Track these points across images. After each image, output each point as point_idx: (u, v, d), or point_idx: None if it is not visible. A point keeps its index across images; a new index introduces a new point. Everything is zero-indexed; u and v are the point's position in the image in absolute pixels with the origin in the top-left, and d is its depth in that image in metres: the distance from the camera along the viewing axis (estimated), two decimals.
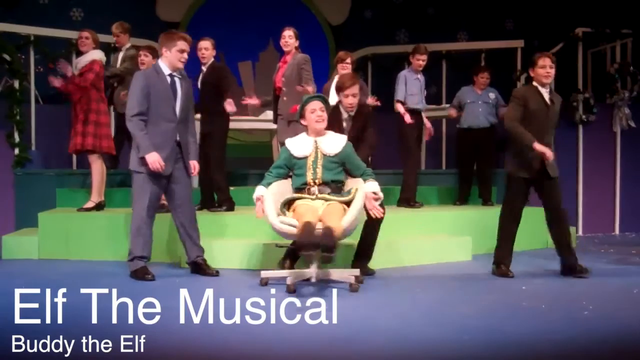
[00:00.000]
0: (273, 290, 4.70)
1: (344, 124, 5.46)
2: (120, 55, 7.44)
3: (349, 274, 4.89)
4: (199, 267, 5.50)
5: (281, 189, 5.08)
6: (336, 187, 5.01)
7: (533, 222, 7.31)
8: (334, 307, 4.25)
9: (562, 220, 5.59)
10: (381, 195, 4.92)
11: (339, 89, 5.44)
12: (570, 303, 4.42)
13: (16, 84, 7.84)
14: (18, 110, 7.79)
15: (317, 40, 10.51)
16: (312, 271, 4.80)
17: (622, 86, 8.98)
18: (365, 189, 4.88)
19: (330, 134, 5.14)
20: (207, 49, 6.61)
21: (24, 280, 5.36)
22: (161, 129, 5.17)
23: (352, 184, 5.07)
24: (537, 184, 5.57)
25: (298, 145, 5.10)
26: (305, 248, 4.49)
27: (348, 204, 4.86)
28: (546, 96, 5.53)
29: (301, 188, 5.01)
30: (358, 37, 10.18)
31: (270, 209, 4.87)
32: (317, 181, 4.96)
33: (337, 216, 4.69)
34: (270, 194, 4.97)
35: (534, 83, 5.55)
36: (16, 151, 7.78)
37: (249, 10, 10.35)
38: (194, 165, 5.38)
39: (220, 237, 6.26)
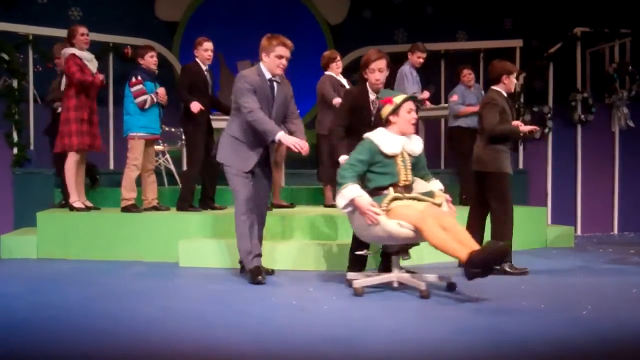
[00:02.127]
0: (273, 290, 4.72)
1: (372, 108, 5.21)
2: (64, 79, 7.00)
3: (431, 278, 4.88)
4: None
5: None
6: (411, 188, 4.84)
7: (532, 221, 7.34)
8: (333, 308, 4.27)
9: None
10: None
11: (364, 65, 5.22)
12: (569, 302, 4.42)
13: (15, 84, 7.84)
14: (16, 110, 7.80)
15: (315, 40, 10.50)
16: (394, 275, 4.80)
17: (620, 86, 9.00)
18: (439, 188, 4.86)
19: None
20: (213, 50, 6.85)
21: (22, 279, 5.36)
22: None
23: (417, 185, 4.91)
24: None
25: (388, 142, 4.76)
26: (480, 267, 4.28)
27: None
28: (508, 102, 5.73)
29: (385, 187, 4.72)
30: (357, 37, 10.18)
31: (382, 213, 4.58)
32: (407, 181, 4.77)
33: (453, 218, 4.59)
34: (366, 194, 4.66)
35: (498, 88, 5.66)
36: (15, 150, 7.78)
37: (247, 10, 10.34)
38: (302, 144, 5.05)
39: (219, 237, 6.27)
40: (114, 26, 9.15)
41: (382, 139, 4.75)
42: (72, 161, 6.65)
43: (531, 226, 7.31)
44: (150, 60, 6.79)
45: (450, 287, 4.81)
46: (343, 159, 4.98)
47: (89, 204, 6.89)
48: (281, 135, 4.95)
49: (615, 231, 9.01)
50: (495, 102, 5.53)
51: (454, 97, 7.88)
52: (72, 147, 6.58)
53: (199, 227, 6.34)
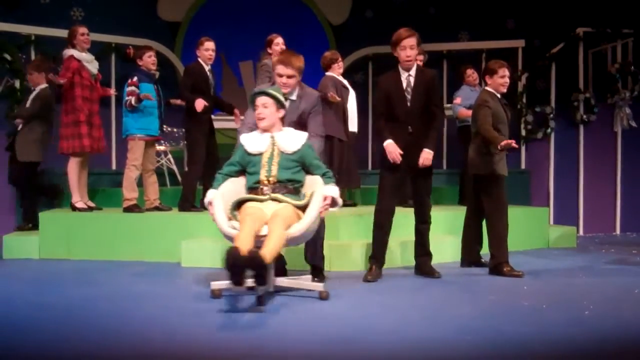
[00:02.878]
0: (274, 291, 4.72)
1: (404, 85, 5.24)
2: (32, 95, 7.06)
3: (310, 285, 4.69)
4: None
5: (237, 188, 4.68)
6: (293, 187, 4.60)
7: (534, 222, 7.34)
8: (334, 308, 4.27)
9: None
10: (339, 201, 4.55)
11: (395, 43, 5.22)
12: (570, 303, 4.42)
13: (17, 84, 7.85)
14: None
15: (317, 40, 10.49)
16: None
17: (623, 86, 8.99)
18: (324, 193, 4.48)
19: (289, 130, 4.75)
20: (214, 50, 6.86)
21: (24, 280, 5.37)
22: None
23: (310, 183, 4.68)
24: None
25: (253, 140, 4.68)
26: (232, 275, 3.92)
27: (303, 208, 4.48)
28: (502, 102, 5.64)
29: (254, 187, 4.60)
30: (359, 37, 10.17)
31: (219, 212, 4.43)
32: (271, 179, 4.56)
33: (284, 221, 4.28)
34: (220, 195, 4.53)
35: (490, 89, 5.61)
36: None
37: (249, 10, 10.33)
38: None
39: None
40: (116, 26, 9.15)
41: (248, 138, 4.71)
42: (74, 162, 6.68)
43: (533, 226, 7.30)
44: (148, 61, 6.77)
45: (321, 295, 4.55)
46: (387, 143, 5.17)
47: (91, 204, 6.91)
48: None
49: (618, 231, 9.00)
50: (486, 104, 5.50)
51: (457, 100, 7.83)
52: (70, 149, 6.62)
53: (202, 227, 6.34)
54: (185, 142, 8.33)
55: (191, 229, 6.35)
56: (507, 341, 3.49)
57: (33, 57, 8.24)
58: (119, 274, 5.57)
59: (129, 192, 6.67)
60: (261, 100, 4.64)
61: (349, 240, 6.04)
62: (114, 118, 8.89)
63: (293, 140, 4.68)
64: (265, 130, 4.67)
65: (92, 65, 6.74)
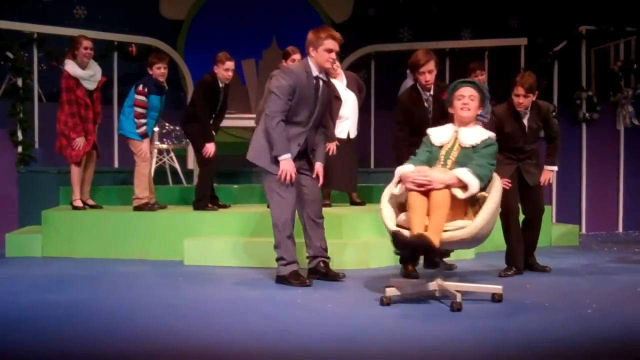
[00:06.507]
0: (278, 289, 4.72)
1: (426, 105, 5.34)
2: None
3: (483, 289, 4.57)
4: (319, 271, 5.14)
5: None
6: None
7: None
8: (338, 306, 4.27)
9: (534, 226, 5.61)
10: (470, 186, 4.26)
11: (414, 67, 5.29)
12: (573, 301, 4.41)
13: (20, 82, 7.86)
14: (21, 109, 7.80)
15: None
16: (434, 284, 4.39)
17: (625, 84, 8.96)
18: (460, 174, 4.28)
19: (477, 127, 4.60)
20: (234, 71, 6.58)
21: (27, 278, 5.37)
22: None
23: None
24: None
25: (439, 132, 4.61)
26: (405, 257, 4.18)
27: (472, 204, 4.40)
28: (525, 119, 5.44)
29: None
30: (361, 35, 10.16)
31: (386, 209, 4.46)
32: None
33: (444, 205, 4.19)
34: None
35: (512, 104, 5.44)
36: (19, 149, 7.79)
37: (252, 8, 10.35)
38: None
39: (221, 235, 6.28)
40: (118, 25, 9.16)
41: (436, 131, 4.67)
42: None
43: None
44: (157, 72, 6.55)
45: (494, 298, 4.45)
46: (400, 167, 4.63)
47: (91, 202, 6.89)
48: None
49: (620, 230, 8.98)
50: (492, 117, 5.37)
51: None
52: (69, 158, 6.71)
53: (205, 225, 6.35)
54: (187, 140, 8.33)
55: (194, 227, 6.34)
56: (511, 340, 3.49)
57: (35, 55, 8.24)
58: (122, 273, 5.58)
59: (141, 191, 6.57)
60: (469, 91, 4.54)
61: (351, 240, 6.03)
62: (116, 116, 8.88)
63: (474, 135, 4.53)
64: (461, 123, 4.55)
65: (89, 81, 6.63)
